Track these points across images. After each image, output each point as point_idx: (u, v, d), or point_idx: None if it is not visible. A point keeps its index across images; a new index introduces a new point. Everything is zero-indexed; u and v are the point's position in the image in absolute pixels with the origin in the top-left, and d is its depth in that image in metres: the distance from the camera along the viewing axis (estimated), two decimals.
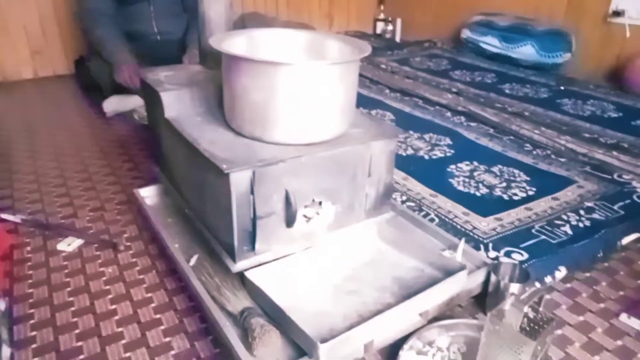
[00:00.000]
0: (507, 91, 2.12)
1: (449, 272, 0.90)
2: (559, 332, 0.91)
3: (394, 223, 1.06)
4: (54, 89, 2.34)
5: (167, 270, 1.04)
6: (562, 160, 1.47)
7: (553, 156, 1.49)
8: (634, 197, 1.25)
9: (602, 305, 0.98)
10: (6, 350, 0.81)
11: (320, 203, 0.91)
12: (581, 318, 0.95)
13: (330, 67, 0.82)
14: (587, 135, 1.63)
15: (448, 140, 1.60)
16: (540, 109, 1.88)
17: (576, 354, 0.86)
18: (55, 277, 1.03)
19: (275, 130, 0.85)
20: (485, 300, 0.94)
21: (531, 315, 0.74)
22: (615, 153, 1.45)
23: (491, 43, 2.57)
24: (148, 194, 1.22)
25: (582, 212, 1.19)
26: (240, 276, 0.88)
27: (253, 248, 0.86)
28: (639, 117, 1.80)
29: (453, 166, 1.43)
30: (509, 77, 2.32)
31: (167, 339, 0.87)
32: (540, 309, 0.73)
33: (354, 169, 0.92)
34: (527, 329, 0.73)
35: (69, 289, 0.99)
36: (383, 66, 2.50)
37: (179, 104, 0.99)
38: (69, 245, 1.12)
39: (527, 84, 2.21)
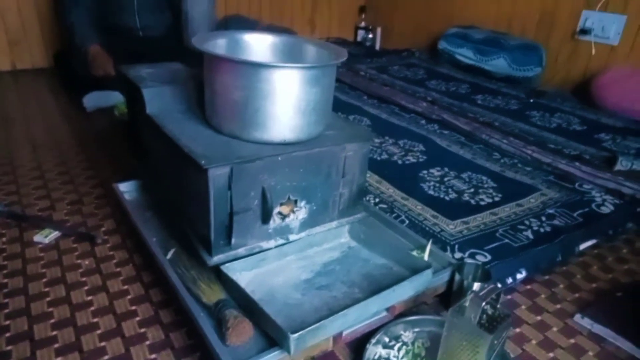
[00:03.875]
0: (479, 101, 2.20)
1: (415, 271, 0.95)
2: (517, 330, 0.97)
3: (366, 223, 1.11)
4: (33, 83, 2.32)
5: (144, 264, 1.06)
6: (528, 169, 1.54)
7: (519, 165, 1.57)
8: (593, 205, 1.33)
9: (558, 305, 1.04)
10: None
11: (295, 201, 0.95)
12: (538, 318, 1.01)
13: (307, 70, 0.86)
14: (552, 146, 1.71)
15: (421, 147, 1.66)
16: (510, 120, 1.96)
17: (532, 350, 0.92)
18: (31, 268, 1.04)
19: (253, 129, 0.88)
20: (449, 298, 0.99)
21: (489, 312, 0.80)
22: (577, 164, 1.54)
23: (466, 55, 2.66)
24: (127, 189, 1.24)
25: (543, 218, 1.26)
26: (216, 270, 0.91)
27: (229, 242, 0.89)
28: (601, 131, 1.90)
29: (425, 171, 1.48)
30: (481, 88, 2.41)
31: (143, 330, 0.89)
32: (498, 305, 0.79)
33: (328, 169, 0.96)
34: (486, 324, 0.78)
35: (44, 279, 1.01)
36: (362, 73, 2.56)
37: (160, 100, 1.02)
38: (45, 237, 1.13)
39: (499, 96, 2.30)
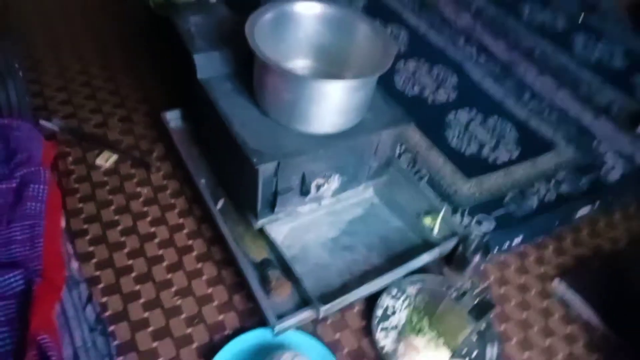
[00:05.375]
0: (526, 13, 2.09)
1: (427, 242, 1.12)
2: (501, 291, 1.18)
3: (390, 179, 1.24)
4: None
5: (194, 198, 1.23)
6: (552, 119, 1.59)
7: (546, 113, 1.61)
8: (601, 173, 1.43)
9: (542, 269, 1.24)
10: (74, 264, 1.04)
11: (329, 175, 1.07)
12: (522, 280, 1.21)
13: (352, 82, 0.91)
14: (585, 90, 1.71)
15: (455, 79, 1.68)
16: (550, 48, 1.90)
17: (510, 311, 1.14)
18: (99, 193, 1.21)
19: (299, 123, 0.97)
20: (451, 259, 1.18)
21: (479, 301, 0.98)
22: (603, 120, 1.58)
23: None
24: (173, 117, 1.34)
25: (552, 183, 1.37)
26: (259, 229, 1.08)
27: (272, 210, 1.04)
28: None
29: (452, 114, 1.54)
30: None
31: (199, 265, 1.10)
32: (487, 297, 0.97)
33: (362, 152, 1.07)
34: (474, 311, 0.97)
35: (112, 207, 1.19)
36: None
37: (210, 66, 1.07)
38: (106, 160, 1.28)
39: (548, 7, 2.16)
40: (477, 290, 0.95)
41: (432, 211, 1.21)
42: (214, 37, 1.10)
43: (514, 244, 1.24)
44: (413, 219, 1.18)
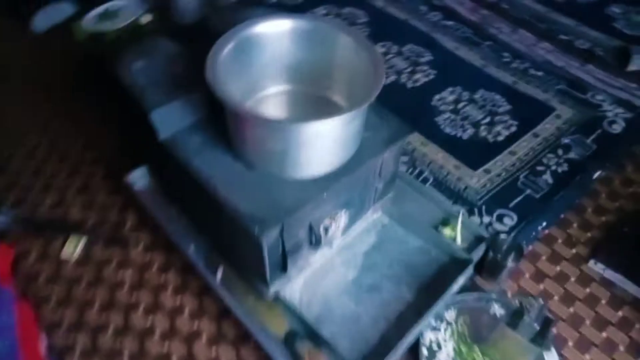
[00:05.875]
0: None
1: (455, 258, 1.01)
2: (541, 287, 1.08)
3: (395, 193, 1.11)
4: None
5: (185, 268, 1.07)
6: (539, 74, 1.49)
7: (532, 71, 1.50)
8: (604, 124, 1.34)
9: (574, 250, 1.15)
10: None
11: (336, 214, 0.94)
12: (558, 268, 1.12)
13: (345, 116, 0.77)
14: (563, 37, 1.61)
15: (429, 56, 1.54)
16: None
17: (555, 308, 1.04)
18: (76, 292, 1.04)
19: (293, 169, 0.82)
20: (482, 266, 1.08)
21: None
22: (590, 67, 1.48)
23: None
24: (138, 176, 1.16)
25: (560, 152, 1.28)
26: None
27: (283, 272, 0.91)
28: (611, 1, 1.77)
29: (437, 97, 1.42)
30: None
31: (214, 352, 0.96)
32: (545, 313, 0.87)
33: (366, 178, 0.93)
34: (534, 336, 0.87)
35: (96, 306, 1.02)
36: None
37: (171, 120, 0.89)
38: (74, 248, 1.11)
39: None
40: (532, 312, 0.85)
41: (449, 218, 1.10)
42: (168, 84, 0.92)
43: (539, 232, 1.14)
44: (431, 232, 1.06)
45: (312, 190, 0.83)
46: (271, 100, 0.95)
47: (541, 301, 0.97)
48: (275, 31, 0.88)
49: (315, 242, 0.90)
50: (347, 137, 0.83)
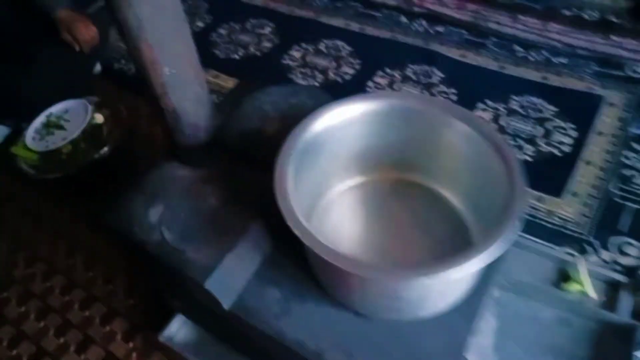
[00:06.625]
0: None
1: (608, 324, 0.80)
2: None
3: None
4: None
5: None
6: (564, 61, 1.31)
7: (554, 59, 1.33)
8: None
9: None
10: None
11: None
12: None
13: (474, 262, 0.53)
14: (566, 12, 1.45)
15: (437, 73, 1.34)
16: None
17: None
18: None
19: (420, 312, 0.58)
20: None
21: None
22: (614, 38, 1.33)
23: None
24: (175, 328, 0.88)
25: (636, 145, 1.10)
26: None
27: None
28: None
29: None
30: None
31: None
32: None
33: None
34: None
35: None
36: None
37: (230, 282, 0.63)
38: None
39: None
40: None
41: (565, 268, 0.89)
42: (203, 229, 0.64)
43: None
44: (557, 295, 0.85)
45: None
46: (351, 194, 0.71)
47: None
48: (352, 117, 0.65)
49: None
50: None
